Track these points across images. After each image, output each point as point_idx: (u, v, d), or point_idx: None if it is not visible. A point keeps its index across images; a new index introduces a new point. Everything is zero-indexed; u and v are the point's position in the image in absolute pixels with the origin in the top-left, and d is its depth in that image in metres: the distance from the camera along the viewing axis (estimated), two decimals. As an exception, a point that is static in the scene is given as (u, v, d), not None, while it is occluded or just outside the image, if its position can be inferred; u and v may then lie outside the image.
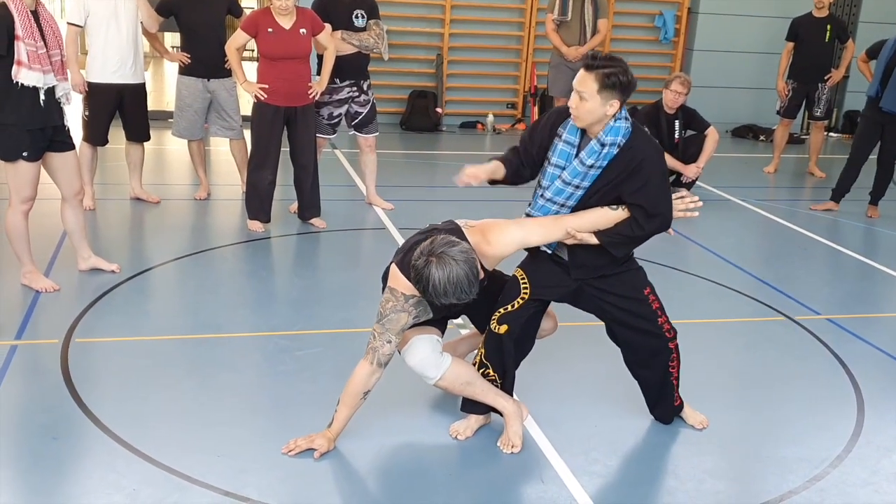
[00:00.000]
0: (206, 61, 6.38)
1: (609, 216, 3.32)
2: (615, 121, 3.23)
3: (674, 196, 3.42)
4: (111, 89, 6.14)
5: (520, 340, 3.51)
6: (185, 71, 6.46)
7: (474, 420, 3.58)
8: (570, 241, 3.32)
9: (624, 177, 3.26)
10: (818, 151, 9.19)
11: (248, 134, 6.15)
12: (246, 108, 6.18)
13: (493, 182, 3.46)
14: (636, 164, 3.24)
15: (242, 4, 6.78)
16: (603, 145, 3.23)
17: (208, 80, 6.44)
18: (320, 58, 6.07)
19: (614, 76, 3.15)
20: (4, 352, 4.02)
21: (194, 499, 3.02)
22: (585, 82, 3.18)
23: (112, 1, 6.00)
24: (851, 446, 3.65)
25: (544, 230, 3.33)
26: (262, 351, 4.23)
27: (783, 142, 9.22)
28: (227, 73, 6.38)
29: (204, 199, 6.82)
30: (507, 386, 3.55)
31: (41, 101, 4.48)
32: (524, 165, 3.42)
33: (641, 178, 3.25)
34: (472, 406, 3.55)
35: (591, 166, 3.25)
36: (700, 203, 3.50)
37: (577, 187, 3.30)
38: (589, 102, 3.18)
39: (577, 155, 3.30)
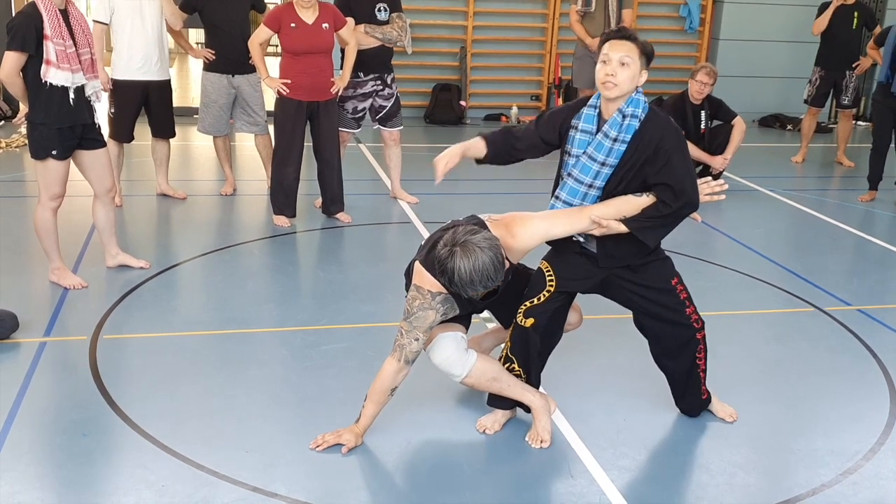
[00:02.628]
0: (230, 57, 6.40)
1: (634, 202, 3.29)
2: (636, 93, 3.28)
3: (699, 181, 3.40)
4: (136, 86, 6.17)
5: (546, 333, 3.48)
6: (209, 67, 6.49)
7: (501, 414, 3.57)
8: (597, 232, 3.29)
9: (645, 158, 3.25)
10: (846, 140, 9.09)
11: (272, 129, 6.17)
12: (270, 103, 6.19)
13: (479, 161, 3.50)
14: (655, 143, 3.24)
15: (267, 0, 6.80)
16: (625, 116, 3.24)
17: (233, 75, 6.46)
18: (343, 52, 6.07)
19: (648, 45, 3.27)
20: (34, 349, 4.05)
21: (223, 494, 3.03)
22: (626, 47, 3.23)
23: (141, 2, 6.02)
24: (885, 438, 3.60)
25: (569, 221, 3.30)
26: (289, 346, 4.24)
27: (811, 131, 9.13)
28: (252, 69, 6.38)
29: (230, 194, 6.85)
30: (532, 381, 3.53)
31: (70, 100, 4.50)
32: (516, 141, 3.45)
33: (663, 157, 3.24)
34: (498, 401, 3.53)
35: (616, 139, 3.25)
36: (725, 186, 3.47)
37: (604, 164, 3.28)
38: (632, 67, 3.22)
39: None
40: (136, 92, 6.19)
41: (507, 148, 3.48)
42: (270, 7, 6.55)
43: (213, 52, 6.42)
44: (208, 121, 6.63)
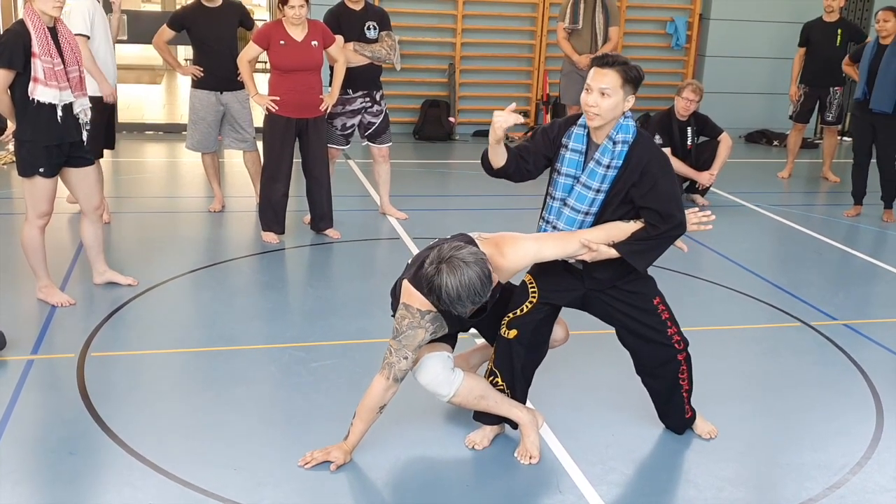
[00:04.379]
0: (218, 74, 6.42)
1: (623, 228, 3.31)
2: (625, 119, 3.28)
3: (686, 211, 3.42)
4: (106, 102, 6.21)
5: (531, 346, 3.50)
6: (197, 84, 6.50)
7: (489, 429, 3.57)
8: (587, 257, 3.30)
9: (632, 182, 3.27)
10: (832, 156, 9.16)
11: (260, 146, 6.17)
12: (259, 119, 6.20)
13: (496, 172, 3.40)
14: (641, 168, 3.26)
15: (255, 17, 6.81)
16: (615, 143, 3.26)
17: (221, 92, 6.48)
18: (332, 69, 6.09)
19: (633, 70, 3.23)
20: (21, 367, 4.04)
21: (211, 512, 3.02)
22: (607, 78, 3.20)
23: (105, 17, 6.04)
24: (871, 452, 3.62)
25: (559, 244, 3.32)
26: (278, 363, 4.24)
27: (796, 146, 9.19)
28: (240, 86, 6.40)
29: (218, 211, 6.84)
30: (517, 396, 3.54)
31: (58, 118, 4.51)
32: (524, 160, 3.39)
33: (649, 181, 3.26)
34: (484, 416, 3.54)
35: (608, 166, 3.27)
36: (713, 217, 3.47)
37: (598, 191, 3.30)
38: (613, 98, 3.21)
39: (585, 161, 3.32)
40: (106, 107, 6.21)
41: (518, 164, 3.39)
42: (259, 24, 6.55)
43: (201, 69, 6.44)
44: (196, 138, 6.64)
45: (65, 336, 4.42)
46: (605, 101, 3.21)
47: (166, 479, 3.20)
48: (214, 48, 6.40)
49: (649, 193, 3.26)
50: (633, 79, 3.23)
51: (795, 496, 3.30)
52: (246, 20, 6.59)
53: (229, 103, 6.52)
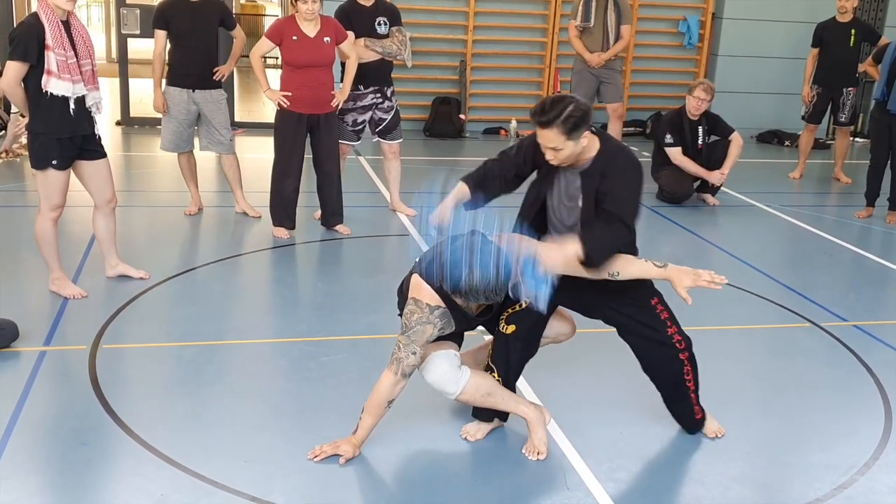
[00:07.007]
0: (191, 72, 6.23)
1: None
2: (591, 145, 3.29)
3: (700, 270, 3.32)
4: None
5: (527, 342, 3.53)
6: (171, 81, 6.32)
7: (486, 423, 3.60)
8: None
9: (594, 185, 3.29)
10: (844, 157, 9.13)
11: (271, 141, 6.17)
12: (270, 115, 6.20)
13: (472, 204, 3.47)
14: (602, 171, 3.27)
15: (268, 13, 6.79)
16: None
17: (193, 90, 6.26)
18: (343, 65, 6.10)
19: (571, 118, 3.15)
20: (33, 358, 4.07)
21: (221, 504, 3.04)
22: (550, 138, 3.19)
23: None
24: (879, 453, 3.62)
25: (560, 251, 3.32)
26: (288, 357, 4.26)
27: (808, 147, 9.17)
28: (214, 85, 6.26)
29: (195, 214, 6.64)
30: (509, 389, 3.56)
31: (71, 111, 4.53)
32: (499, 177, 3.49)
33: (609, 185, 3.26)
34: (480, 412, 3.56)
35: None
36: (724, 279, 3.30)
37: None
38: (565, 150, 3.22)
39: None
40: None
41: (489, 182, 3.49)
42: (268, 21, 6.54)
43: (174, 65, 6.26)
44: (168, 137, 6.42)
45: (77, 328, 4.45)
46: (560, 153, 3.23)
47: (177, 469, 3.22)
48: (190, 44, 6.18)
49: (609, 196, 3.26)
50: (574, 126, 3.15)
51: (803, 496, 3.31)
52: (227, 20, 6.35)
53: (201, 103, 6.30)
